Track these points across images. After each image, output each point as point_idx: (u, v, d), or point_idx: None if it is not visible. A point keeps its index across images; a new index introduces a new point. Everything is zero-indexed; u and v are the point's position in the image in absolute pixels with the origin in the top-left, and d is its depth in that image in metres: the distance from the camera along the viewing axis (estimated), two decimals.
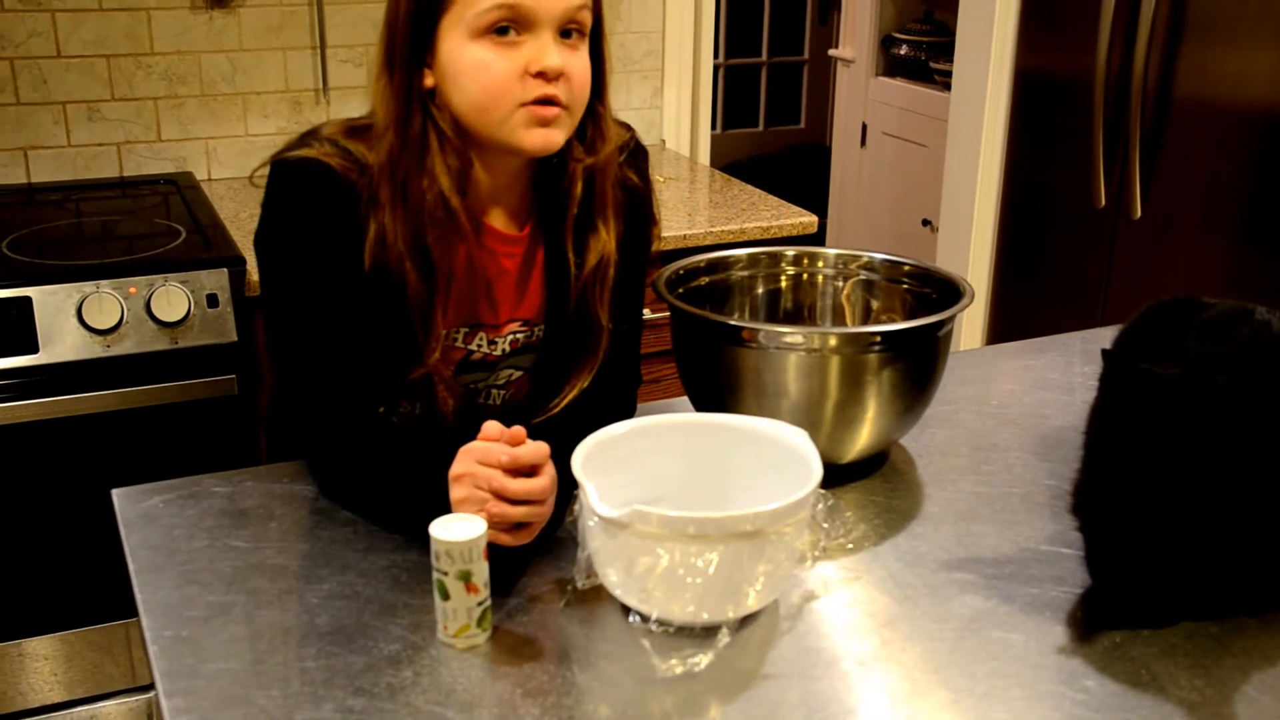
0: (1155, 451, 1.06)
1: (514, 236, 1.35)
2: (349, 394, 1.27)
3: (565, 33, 1.23)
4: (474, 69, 1.21)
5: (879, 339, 1.30)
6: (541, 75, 1.20)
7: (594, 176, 1.32)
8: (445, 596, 1.05)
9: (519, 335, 1.38)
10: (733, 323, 1.36)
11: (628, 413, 1.40)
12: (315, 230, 1.24)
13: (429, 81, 1.24)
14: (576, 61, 1.23)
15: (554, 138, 1.24)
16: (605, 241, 1.34)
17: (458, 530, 1.04)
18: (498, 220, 1.34)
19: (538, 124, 1.22)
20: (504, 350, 1.38)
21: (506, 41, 1.20)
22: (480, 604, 1.06)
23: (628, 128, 1.42)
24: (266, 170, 1.28)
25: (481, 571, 1.05)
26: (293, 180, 1.25)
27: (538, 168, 1.34)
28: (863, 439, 1.34)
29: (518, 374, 1.40)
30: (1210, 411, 1.04)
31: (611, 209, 1.35)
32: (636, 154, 1.42)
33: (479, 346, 1.36)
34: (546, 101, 1.21)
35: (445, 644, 1.07)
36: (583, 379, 1.36)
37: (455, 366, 1.35)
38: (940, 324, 1.33)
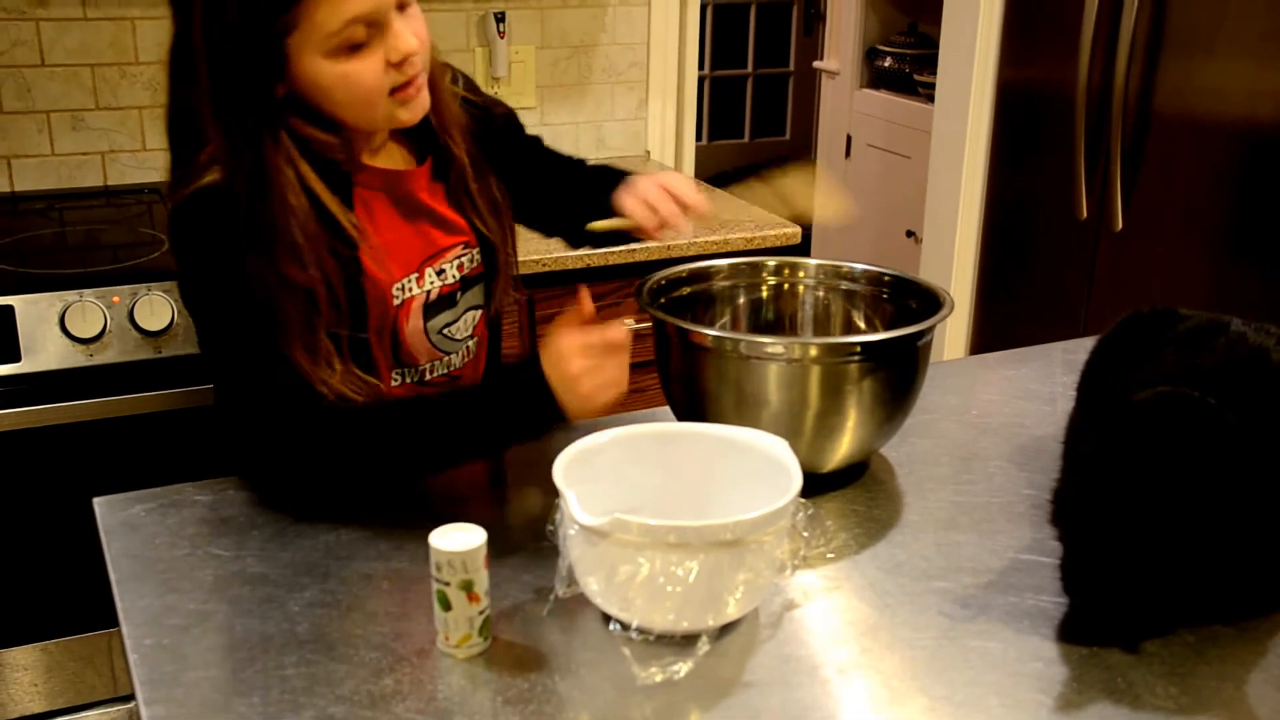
0: (1134, 470, 1.06)
1: (416, 171, 1.40)
2: (294, 399, 1.26)
3: (400, 4, 1.26)
4: (341, 82, 1.24)
5: (859, 349, 1.31)
6: (401, 61, 1.25)
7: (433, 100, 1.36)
8: (446, 607, 1.05)
9: (463, 259, 1.43)
10: (714, 332, 1.36)
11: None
12: (223, 256, 1.24)
13: (280, 92, 1.25)
14: (418, 27, 1.28)
15: (424, 101, 1.31)
16: (459, 156, 1.41)
17: (458, 540, 1.04)
18: (398, 159, 1.39)
19: (410, 101, 1.29)
20: (454, 276, 1.42)
21: (362, 47, 1.23)
22: (481, 613, 1.06)
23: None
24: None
25: (483, 580, 1.05)
26: (188, 219, 1.26)
27: None
28: (843, 448, 1.35)
29: (477, 313, 1.47)
30: (1190, 430, 1.05)
31: (454, 121, 1.41)
32: (456, 80, 1.48)
33: (431, 283, 1.39)
34: (409, 83, 1.27)
35: (445, 654, 1.06)
36: (496, 300, 1.48)
37: (422, 314, 1.39)
38: (920, 334, 1.34)
